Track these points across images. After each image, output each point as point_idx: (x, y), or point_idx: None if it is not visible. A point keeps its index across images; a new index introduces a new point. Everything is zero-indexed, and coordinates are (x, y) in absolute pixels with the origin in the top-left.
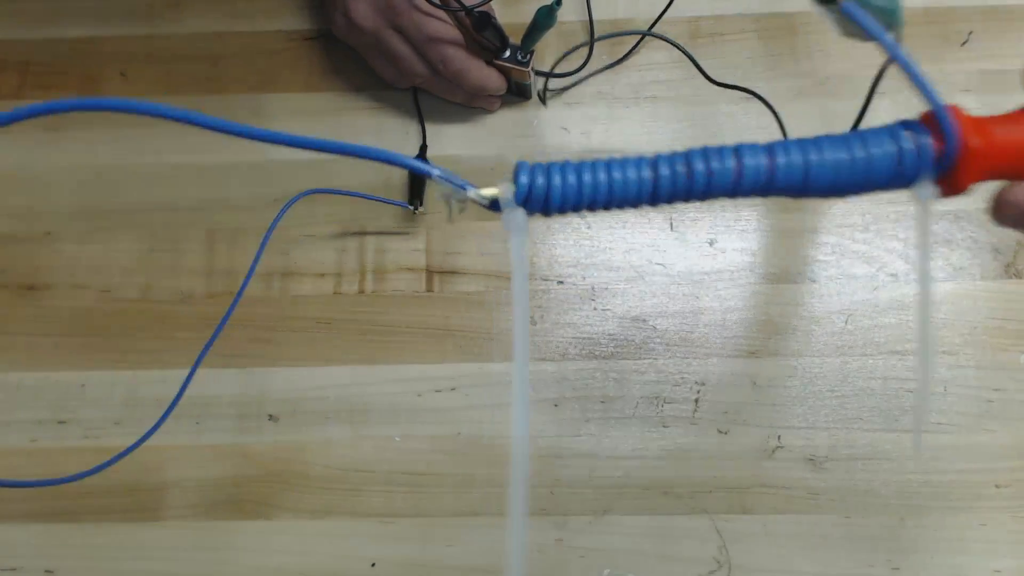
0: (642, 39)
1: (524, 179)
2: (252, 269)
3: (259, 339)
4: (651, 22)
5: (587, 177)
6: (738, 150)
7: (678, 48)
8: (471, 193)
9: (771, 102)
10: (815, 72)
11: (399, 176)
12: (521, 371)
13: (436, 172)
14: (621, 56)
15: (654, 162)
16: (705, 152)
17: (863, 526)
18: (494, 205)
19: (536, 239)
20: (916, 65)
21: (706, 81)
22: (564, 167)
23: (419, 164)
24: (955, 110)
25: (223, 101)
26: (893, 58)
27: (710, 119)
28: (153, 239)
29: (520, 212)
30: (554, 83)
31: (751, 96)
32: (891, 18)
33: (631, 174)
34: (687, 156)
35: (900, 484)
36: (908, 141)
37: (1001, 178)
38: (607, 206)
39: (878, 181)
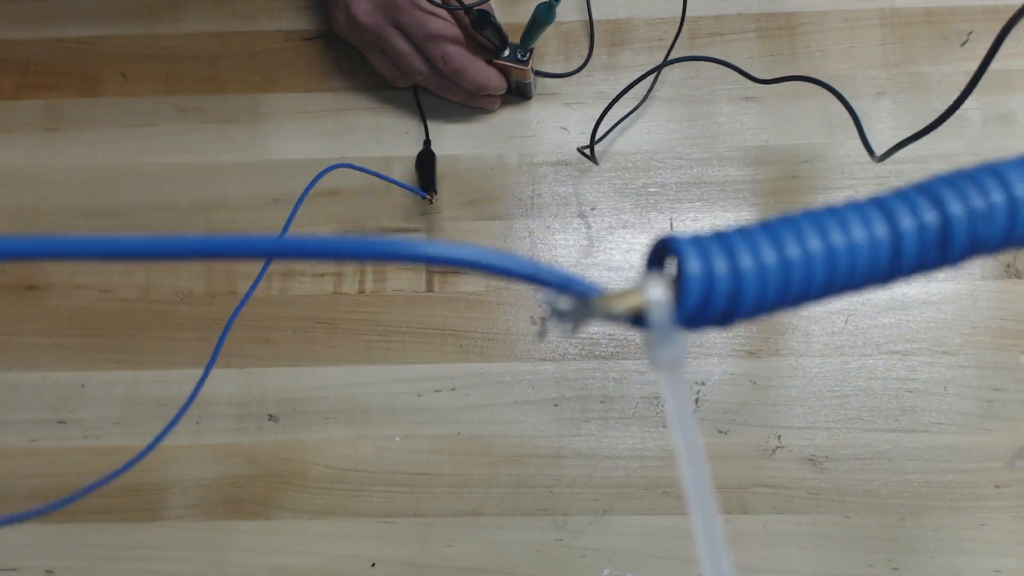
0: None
1: (696, 266)
2: (263, 269)
3: (259, 339)
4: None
5: (793, 250)
6: (998, 171)
7: (711, 60)
8: (597, 304)
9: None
10: (815, 72)
11: (400, 175)
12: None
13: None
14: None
15: (886, 207)
16: (954, 182)
17: (863, 526)
18: (636, 320)
19: (536, 239)
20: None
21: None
22: (748, 236)
23: (550, 275)
24: None
25: (223, 101)
26: None
27: (710, 119)
28: None
29: (681, 334)
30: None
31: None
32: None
33: (858, 235)
34: (930, 192)
35: (900, 484)
36: None
37: None
38: (819, 297)
39: None
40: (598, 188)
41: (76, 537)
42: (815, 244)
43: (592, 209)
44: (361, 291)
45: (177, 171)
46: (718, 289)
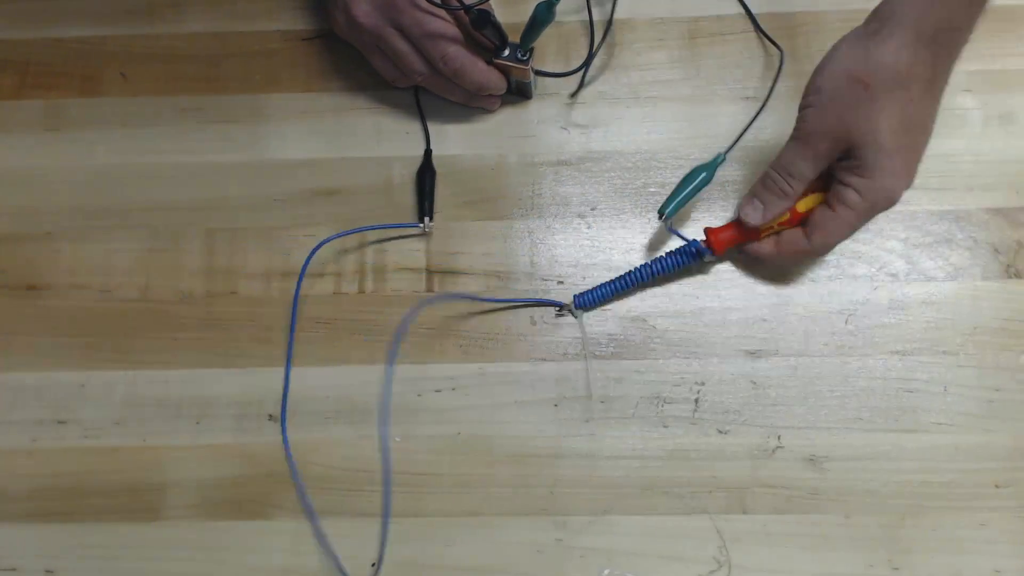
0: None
1: (578, 301)
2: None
3: (259, 339)
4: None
5: (607, 288)
6: (664, 258)
7: None
8: (565, 307)
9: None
10: None
11: (400, 176)
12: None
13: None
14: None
15: (631, 275)
16: (659, 260)
17: (863, 526)
18: (570, 311)
19: (537, 239)
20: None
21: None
22: (599, 287)
23: (556, 302)
24: (710, 233)
25: (223, 101)
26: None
27: (709, 119)
28: (153, 239)
29: (580, 312)
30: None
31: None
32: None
33: (626, 280)
34: (650, 265)
35: (900, 484)
36: (695, 251)
37: (736, 244)
38: (620, 293)
39: (690, 263)
40: (598, 188)
41: (76, 537)
42: (614, 285)
43: (592, 209)
44: (361, 291)
45: (177, 171)
46: (584, 303)
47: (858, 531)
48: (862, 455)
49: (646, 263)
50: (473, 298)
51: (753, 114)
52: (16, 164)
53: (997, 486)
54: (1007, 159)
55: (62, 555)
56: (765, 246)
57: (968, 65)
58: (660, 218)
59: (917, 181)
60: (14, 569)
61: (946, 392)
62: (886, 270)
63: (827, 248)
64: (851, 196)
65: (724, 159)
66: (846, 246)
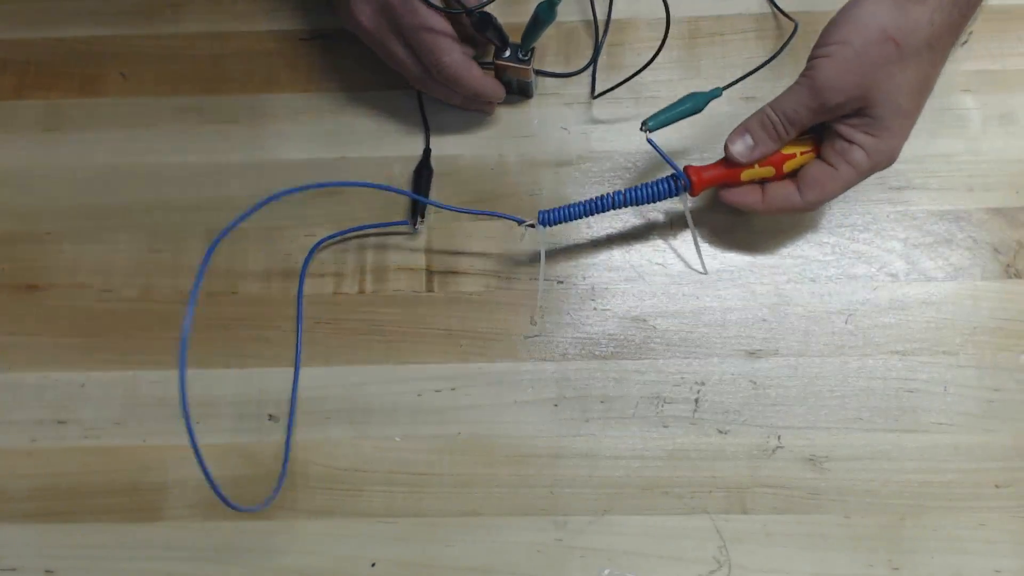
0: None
1: (543, 217)
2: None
3: (259, 339)
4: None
5: (574, 209)
6: (637, 187)
7: None
8: (527, 223)
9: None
10: None
11: (400, 176)
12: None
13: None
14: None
15: (601, 198)
16: (628, 190)
17: (863, 526)
18: (535, 224)
19: (536, 239)
20: (669, 156)
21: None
22: (566, 207)
23: (508, 216)
24: (689, 168)
25: (223, 101)
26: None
27: (709, 119)
28: (153, 239)
29: (542, 228)
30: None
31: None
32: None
33: (595, 204)
34: (622, 193)
35: (900, 484)
36: (675, 181)
37: (714, 186)
38: (580, 217)
39: (664, 196)
40: (598, 188)
41: (76, 537)
42: (577, 208)
43: None
44: (361, 291)
45: (177, 171)
46: (548, 220)
47: (858, 531)
48: (862, 455)
49: (618, 191)
50: (438, 205)
51: (753, 110)
52: (16, 164)
53: (997, 486)
54: (1007, 159)
55: (62, 555)
56: (750, 197)
57: (968, 65)
58: (642, 128)
59: (917, 181)
60: (14, 569)
61: (946, 392)
62: (886, 270)
63: (818, 205)
64: (857, 155)
65: (720, 94)
66: (846, 246)
